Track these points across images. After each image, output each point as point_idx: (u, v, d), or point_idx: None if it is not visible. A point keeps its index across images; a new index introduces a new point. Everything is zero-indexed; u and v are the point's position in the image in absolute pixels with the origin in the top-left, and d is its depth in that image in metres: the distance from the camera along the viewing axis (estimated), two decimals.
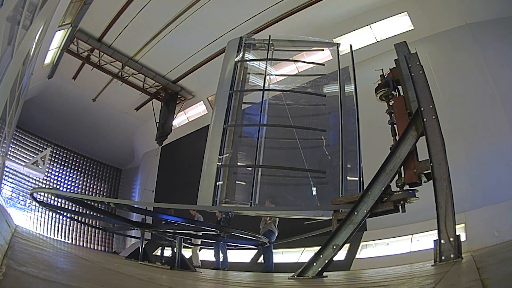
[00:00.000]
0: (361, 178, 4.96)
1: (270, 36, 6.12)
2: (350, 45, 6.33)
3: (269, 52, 6.17)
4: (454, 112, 7.16)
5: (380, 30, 9.20)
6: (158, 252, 10.22)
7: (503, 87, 7.01)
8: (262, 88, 5.84)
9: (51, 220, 14.60)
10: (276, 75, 6.73)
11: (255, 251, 8.43)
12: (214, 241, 7.03)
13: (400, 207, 3.50)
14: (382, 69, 4.26)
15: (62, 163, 16.30)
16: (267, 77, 6.30)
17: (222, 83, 5.49)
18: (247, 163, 5.51)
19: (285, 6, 9.26)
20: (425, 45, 7.93)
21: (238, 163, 5.41)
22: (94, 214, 7.78)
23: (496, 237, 5.23)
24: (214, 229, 5.84)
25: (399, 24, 8.87)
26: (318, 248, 3.44)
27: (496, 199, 5.99)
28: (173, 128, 13.77)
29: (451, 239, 2.82)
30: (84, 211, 7.75)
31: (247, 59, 6.04)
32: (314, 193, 5.18)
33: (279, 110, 5.78)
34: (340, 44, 6.60)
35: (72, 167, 16.64)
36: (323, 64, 6.33)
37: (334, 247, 3.33)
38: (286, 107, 5.76)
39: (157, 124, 13.71)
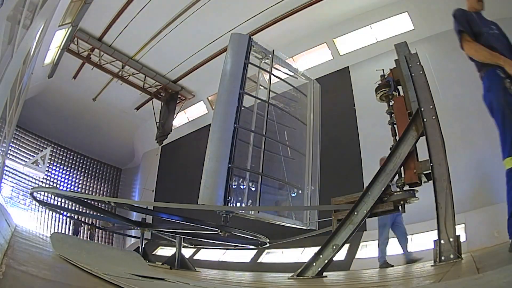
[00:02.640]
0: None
1: (273, 50, 6.21)
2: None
3: (263, 63, 6.23)
4: (454, 112, 7.17)
5: (380, 30, 9.20)
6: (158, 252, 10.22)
7: None
8: (266, 100, 5.87)
9: (51, 220, 14.61)
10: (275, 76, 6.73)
11: (255, 251, 8.43)
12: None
13: (400, 207, 3.50)
14: (383, 69, 4.26)
15: (62, 162, 16.31)
16: (259, 82, 6.43)
17: (231, 78, 5.34)
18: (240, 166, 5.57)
19: (285, 6, 9.26)
20: (425, 45, 7.94)
21: (237, 167, 5.40)
22: (94, 213, 7.78)
23: (496, 237, 5.23)
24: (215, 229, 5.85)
25: (399, 24, 8.87)
26: (318, 248, 3.44)
27: (496, 200, 5.99)
28: (173, 128, 13.77)
29: (451, 239, 2.82)
30: (84, 211, 7.75)
31: (256, 64, 6.03)
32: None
33: (262, 121, 5.92)
34: (314, 80, 7.13)
35: (72, 166, 16.65)
36: (306, 95, 6.92)
37: (334, 247, 3.33)
38: (275, 123, 6.06)
39: (157, 123, 13.71)
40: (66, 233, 14.94)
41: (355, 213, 3.42)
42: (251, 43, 5.72)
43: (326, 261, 3.30)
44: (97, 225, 8.01)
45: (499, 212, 5.72)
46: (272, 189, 5.95)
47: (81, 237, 12.70)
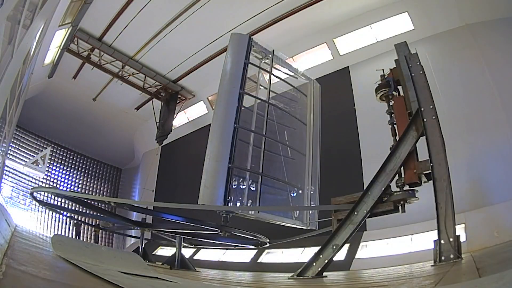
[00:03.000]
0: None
1: (273, 50, 6.21)
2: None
3: (263, 63, 6.22)
4: (454, 112, 7.16)
5: (380, 30, 9.20)
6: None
7: (503, 87, 7.01)
8: (266, 100, 5.87)
9: (51, 220, 14.60)
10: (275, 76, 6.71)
11: (255, 251, 8.43)
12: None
13: (400, 207, 3.50)
14: (383, 69, 4.26)
15: (62, 162, 16.30)
16: (259, 83, 6.43)
17: (231, 78, 5.32)
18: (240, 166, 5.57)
19: (285, 6, 9.25)
20: (425, 45, 7.94)
21: (238, 167, 5.40)
22: (94, 213, 7.78)
23: (496, 237, 5.23)
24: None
25: (399, 24, 8.87)
26: (318, 248, 3.44)
27: (496, 200, 5.99)
28: (173, 128, 13.76)
29: (451, 239, 2.82)
30: (84, 211, 7.75)
31: (256, 64, 6.02)
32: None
33: (262, 121, 5.92)
34: (315, 81, 7.16)
35: (72, 166, 16.64)
36: (306, 95, 6.91)
37: (334, 247, 3.33)
38: (276, 123, 6.07)
39: (157, 123, 13.70)
40: (66, 233, 14.95)
41: (355, 213, 3.43)
42: (251, 43, 5.71)
43: (326, 261, 3.30)
44: (100, 227, 7.99)
45: (499, 212, 5.73)
46: (272, 189, 5.96)
47: (83, 239, 12.68)
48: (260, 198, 5.33)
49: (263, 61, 6.29)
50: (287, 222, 5.89)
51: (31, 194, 7.12)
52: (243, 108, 5.32)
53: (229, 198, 4.81)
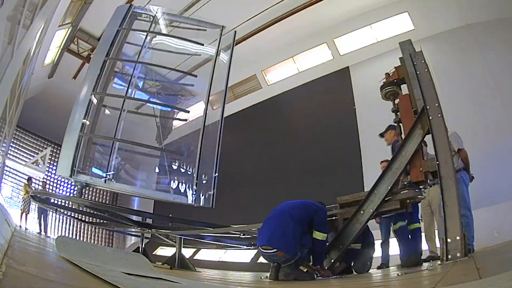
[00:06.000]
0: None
1: (159, 8, 6.05)
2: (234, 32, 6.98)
3: (153, 25, 6.11)
4: (454, 112, 7.16)
5: (380, 30, 9.20)
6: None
7: (503, 87, 7.01)
8: (135, 60, 5.77)
9: (51, 220, 14.57)
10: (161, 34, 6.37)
11: (255, 251, 8.41)
12: None
13: (406, 206, 3.48)
14: (388, 73, 4.23)
15: None
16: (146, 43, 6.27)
17: (99, 48, 5.29)
18: (108, 135, 5.39)
19: (285, 6, 9.25)
20: (425, 45, 7.88)
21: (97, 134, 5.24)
22: (94, 213, 7.77)
23: (496, 237, 5.22)
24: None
25: (399, 24, 8.87)
26: None
27: (496, 200, 5.98)
28: (173, 128, 13.73)
29: (457, 237, 2.81)
30: (84, 210, 7.75)
31: (128, 28, 5.90)
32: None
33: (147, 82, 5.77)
34: (224, 27, 6.71)
35: None
36: (202, 44, 6.61)
37: (341, 246, 3.33)
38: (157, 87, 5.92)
39: (157, 123, 13.67)
40: (66, 233, 14.93)
41: (361, 212, 3.41)
42: (131, 10, 5.64)
43: (332, 261, 3.29)
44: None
45: (499, 212, 5.72)
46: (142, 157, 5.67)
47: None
48: (114, 166, 5.13)
49: (157, 25, 6.17)
50: (168, 198, 5.55)
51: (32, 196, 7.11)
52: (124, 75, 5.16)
53: (85, 168, 4.63)
